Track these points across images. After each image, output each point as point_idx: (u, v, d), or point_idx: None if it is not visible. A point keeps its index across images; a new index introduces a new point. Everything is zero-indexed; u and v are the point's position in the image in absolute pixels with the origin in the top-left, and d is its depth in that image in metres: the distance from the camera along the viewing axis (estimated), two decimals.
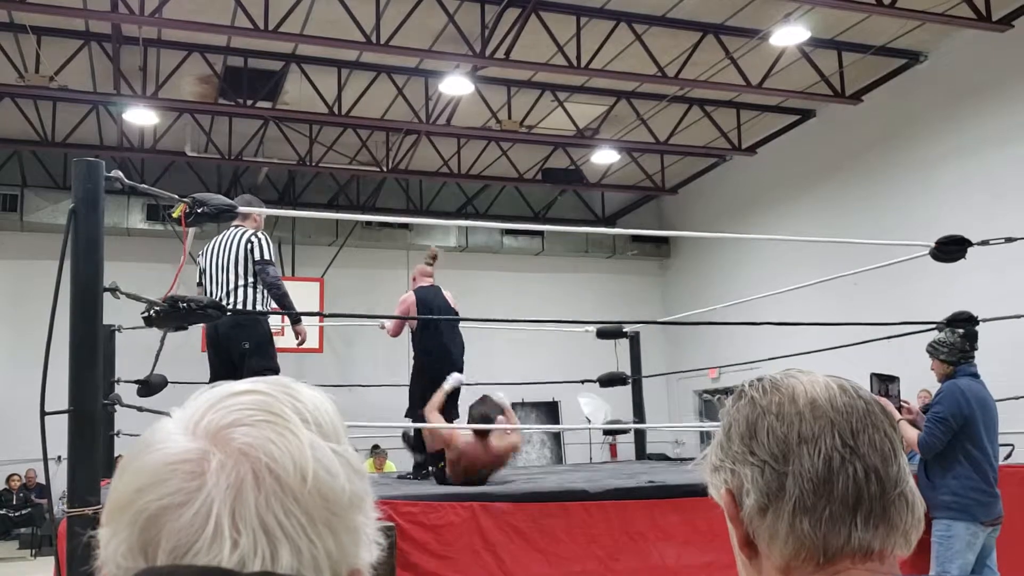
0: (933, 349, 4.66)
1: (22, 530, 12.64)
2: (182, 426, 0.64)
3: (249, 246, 5.15)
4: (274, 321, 6.09)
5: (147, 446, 0.64)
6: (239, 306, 5.06)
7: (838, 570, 0.82)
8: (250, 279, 5.14)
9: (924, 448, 4.44)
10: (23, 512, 12.54)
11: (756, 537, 0.86)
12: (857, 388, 0.90)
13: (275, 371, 5.09)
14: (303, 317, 5.49)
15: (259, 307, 5.15)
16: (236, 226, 5.24)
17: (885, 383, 4.71)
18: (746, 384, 0.93)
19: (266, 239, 5.24)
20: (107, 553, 0.63)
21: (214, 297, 5.07)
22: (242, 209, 5.16)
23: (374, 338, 13.46)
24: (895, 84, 12.35)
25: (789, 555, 0.84)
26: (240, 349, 5.03)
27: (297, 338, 5.27)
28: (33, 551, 12.17)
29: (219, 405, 0.65)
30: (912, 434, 4.53)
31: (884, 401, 4.58)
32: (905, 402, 4.75)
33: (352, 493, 0.65)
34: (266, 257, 5.17)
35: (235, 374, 5.00)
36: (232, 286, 5.10)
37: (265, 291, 5.18)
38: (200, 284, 5.30)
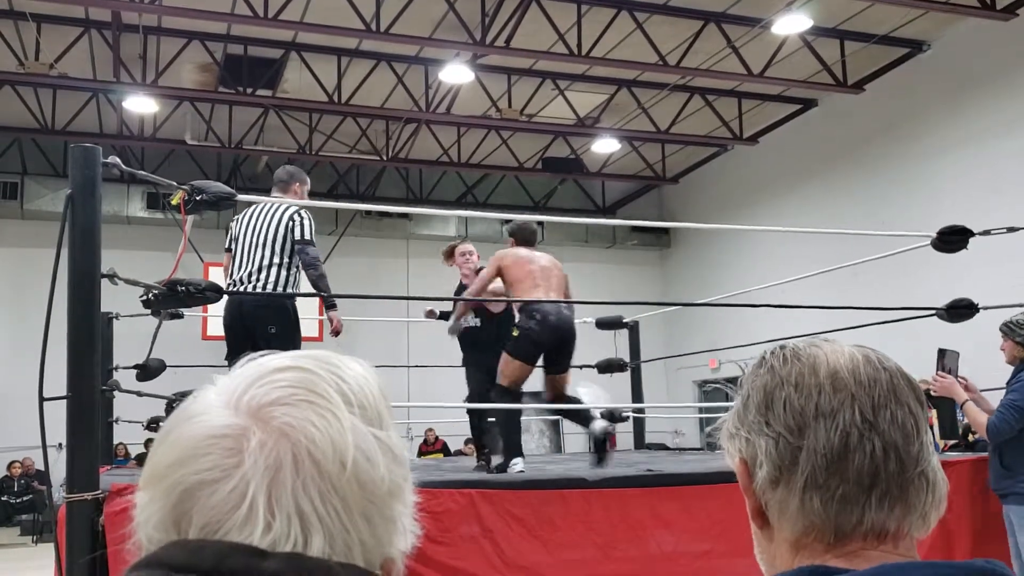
0: (1009, 329, 4.44)
1: (23, 517, 12.68)
2: (223, 399, 0.64)
3: (291, 224, 4.79)
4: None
5: (188, 417, 0.64)
6: (268, 286, 4.74)
7: (849, 551, 0.80)
8: (285, 258, 4.79)
9: (993, 434, 4.27)
10: (24, 499, 12.58)
11: (767, 509, 0.85)
12: (883, 359, 0.87)
13: None
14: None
15: (288, 289, 4.82)
16: (277, 197, 4.95)
17: (950, 358, 4.51)
18: (768, 352, 0.90)
19: (308, 217, 4.86)
20: (140, 519, 0.62)
21: (243, 269, 4.78)
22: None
23: (374, 326, 13.46)
24: (898, 74, 12.32)
25: (799, 531, 0.82)
26: (266, 332, 4.67)
27: (331, 325, 4.97)
28: (34, 537, 12.20)
29: (262, 380, 0.64)
30: (980, 417, 4.38)
31: (951, 380, 4.48)
32: (963, 379, 4.54)
33: (391, 482, 0.64)
34: (307, 236, 4.81)
35: None
36: (266, 263, 4.77)
37: (296, 274, 4.86)
38: (229, 250, 4.96)
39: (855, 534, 0.80)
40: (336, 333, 4.99)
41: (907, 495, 0.81)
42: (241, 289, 4.75)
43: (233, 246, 4.93)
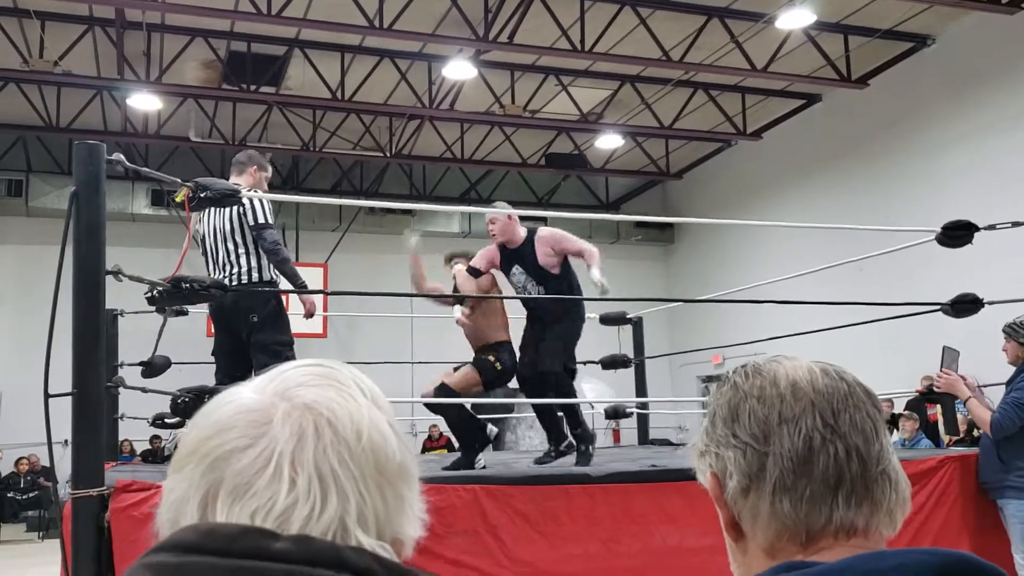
0: (1012, 331, 4.52)
1: (29, 513, 12.73)
2: (252, 387, 0.70)
3: (240, 209, 4.57)
4: None
5: (217, 404, 0.69)
6: (243, 276, 4.62)
7: (822, 547, 0.82)
8: (249, 245, 4.64)
9: (997, 429, 4.35)
10: (30, 495, 12.63)
11: (741, 518, 0.87)
12: (840, 371, 0.91)
13: (288, 344, 4.67)
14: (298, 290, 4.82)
15: (265, 274, 4.68)
16: (233, 182, 4.69)
17: (950, 356, 4.61)
18: (730, 371, 0.95)
19: (259, 199, 4.62)
20: (168, 500, 0.66)
21: (211, 268, 4.69)
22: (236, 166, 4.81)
23: (378, 322, 13.48)
24: (902, 68, 12.28)
25: (772, 536, 0.84)
26: (248, 322, 4.56)
27: (304, 307, 4.87)
28: (40, 533, 12.26)
29: (288, 372, 0.71)
30: (985, 413, 4.44)
31: (955, 377, 4.56)
32: (962, 377, 4.64)
33: (401, 463, 0.69)
34: (260, 220, 4.60)
35: (243, 349, 4.67)
36: (232, 256, 4.63)
37: (261, 258, 4.68)
38: (204, 253, 4.87)
39: (826, 532, 0.83)
40: (309, 315, 4.88)
41: (872, 493, 0.84)
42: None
43: (203, 247, 4.84)
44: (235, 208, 4.59)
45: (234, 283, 4.63)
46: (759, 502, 0.85)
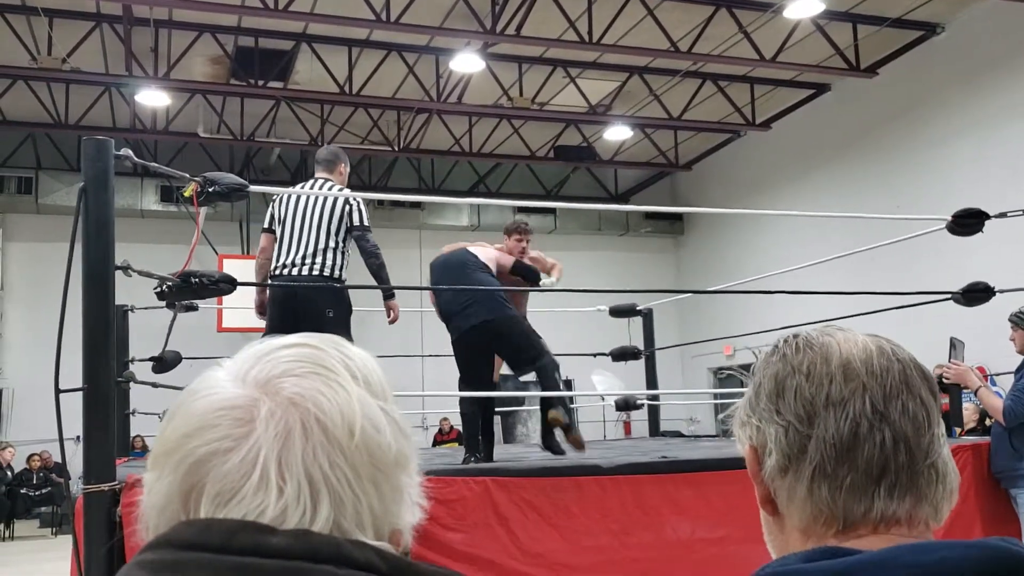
0: (1019, 319, 4.57)
1: (42, 509, 12.82)
2: (231, 375, 0.65)
3: (347, 208, 4.67)
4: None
5: (195, 393, 0.65)
6: (326, 270, 4.63)
7: (860, 535, 0.80)
8: (340, 242, 4.68)
9: (1010, 417, 4.36)
10: (43, 491, 12.71)
11: (776, 496, 0.85)
12: (896, 349, 0.86)
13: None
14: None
15: (344, 274, 4.69)
16: (322, 179, 4.82)
17: (959, 347, 4.65)
18: (781, 340, 0.90)
19: (362, 203, 4.75)
20: (149, 501, 0.63)
21: (295, 252, 4.66)
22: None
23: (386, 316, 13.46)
24: (911, 57, 12.20)
25: (807, 518, 0.82)
26: (323, 315, 4.55)
27: (389, 315, 4.87)
28: (53, 529, 12.34)
29: (269, 357, 0.66)
30: (996, 402, 4.46)
31: (964, 367, 4.61)
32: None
33: (398, 452, 0.65)
34: (365, 223, 4.71)
35: None
36: (321, 246, 4.63)
37: (348, 258, 4.70)
38: (269, 231, 4.84)
39: (865, 521, 0.80)
40: (394, 321, 4.90)
41: (918, 486, 0.80)
42: (294, 272, 4.64)
43: (278, 228, 4.80)
44: (339, 203, 4.68)
45: (312, 273, 4.63)
46: (796, 484, 0.82)
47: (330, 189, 4.75)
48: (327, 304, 4.60)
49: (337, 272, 4.69)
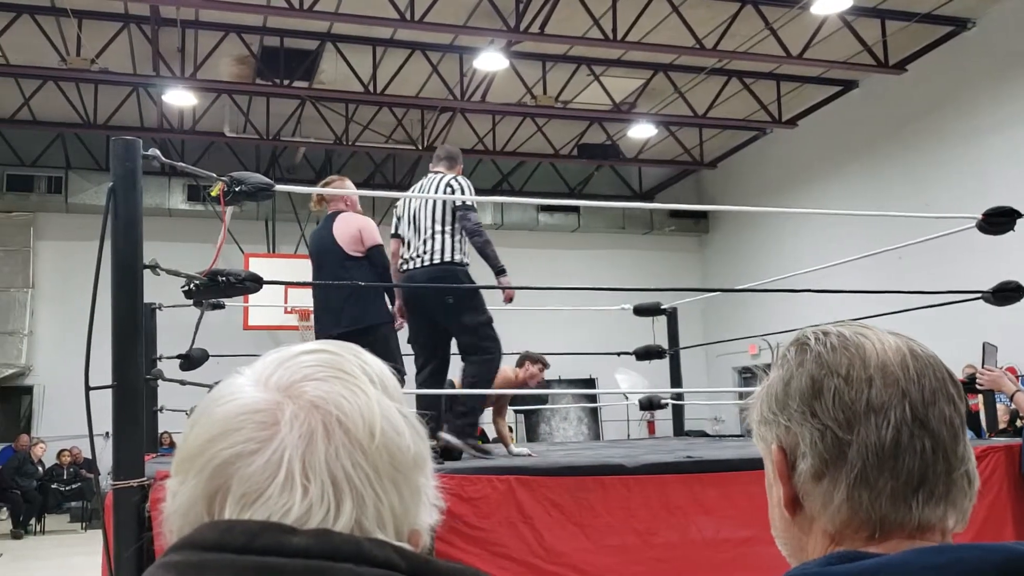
0: None
1: (72, 504, 12.98)
2: (253, 380, 0.66)
3: (448, 190, 4.67)
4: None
5: (218, 398, 0.66)
6: (435, 254, 4.60)
7: (891, 545, 0.78)
8: (448, 225, 4.65)
9: None
10: (73, 487, 12.87)
11: (805, 499, 0.82)
12: (927, 352, 0.85)
13: (488, 322, 4.62)
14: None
15: (457, 256, 4.64)
16: (437, 172, 4.87)
17: (991, 352, 4.62)
18: (810, 335, 0.86)
19: (467, 183, 4.74)
20: (173, 506, 0.64)
21: (413, 247, 4.69)
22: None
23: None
24: (941, 52, 12.05)
25: (841, 523, 0.80)
26: (444, 305, 4.54)
27: (504, 293, 4.74)
28: (83, 524, 12.50)
29: (289, 362, 0.67)
30: None
31: (997, 372, 4.57)
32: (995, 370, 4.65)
33: (416, 453, 0.67)
34: (468, 202, 4.67)
35: (441, 334, 4.69)
36: (430, 232, 4.63)
37: (464, 239, 4.67)
38: (396, 236, 4.85)
39: (899, 529, 0.79)
40: (509, 300, 4.79)
41: (952, 494, 0.80)
42: (412, 266, 4.65)
43: (403, 230, 4.84)
44: (443, 188, 4.69)
45: (423, 265, 4.63)
46: (834, 490, 0.80)
47: (441, 179, 4.77)
48: (443, 291, 4.54)
49: (449, 256, 4.62)
